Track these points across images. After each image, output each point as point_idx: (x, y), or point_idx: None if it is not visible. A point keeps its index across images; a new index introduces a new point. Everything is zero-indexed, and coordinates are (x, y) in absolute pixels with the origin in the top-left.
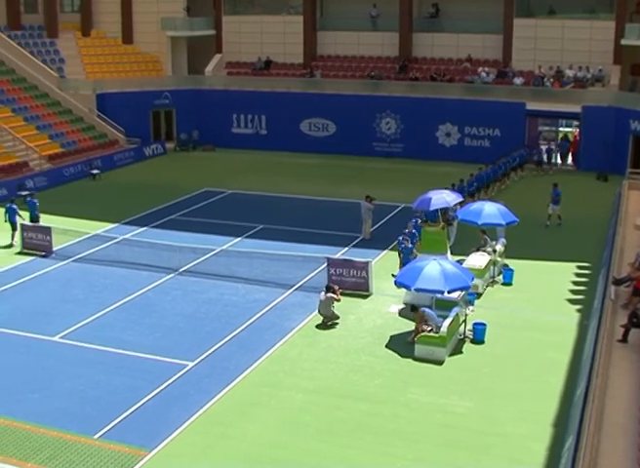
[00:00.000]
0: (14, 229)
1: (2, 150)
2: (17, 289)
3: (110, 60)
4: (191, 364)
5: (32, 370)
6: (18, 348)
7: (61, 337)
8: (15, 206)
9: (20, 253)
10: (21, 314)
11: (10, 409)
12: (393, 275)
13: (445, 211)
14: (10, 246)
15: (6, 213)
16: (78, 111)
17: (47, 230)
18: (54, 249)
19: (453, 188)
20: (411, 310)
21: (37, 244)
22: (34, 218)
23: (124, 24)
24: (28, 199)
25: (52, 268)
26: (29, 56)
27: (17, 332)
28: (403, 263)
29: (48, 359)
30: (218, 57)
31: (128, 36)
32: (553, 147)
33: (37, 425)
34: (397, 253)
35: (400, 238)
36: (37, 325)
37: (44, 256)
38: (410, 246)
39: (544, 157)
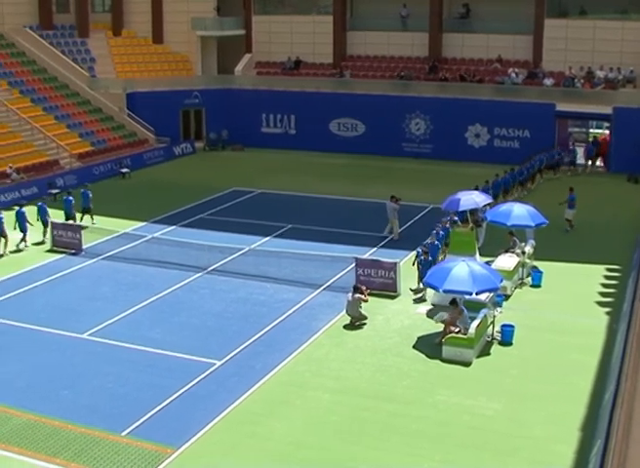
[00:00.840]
0: (45, 226)
1: (33, 148)
2: (47, 286)
3: (141, 60)
4: (219, 363)
5: (61, 367)
6: (47, 345)
7: (90, 335)
8: (45, 204)
9: (50, 251)
10: (51, 311)
11: (39, 404)
12: (412, 290)
13: (474, 212)
14: (42, 242)
15: (38, 211)
16: (108, 110)
17: (77, 228)
18: (83, 247)
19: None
20: (450, 303)
21: (67, 242)
22: (70, 216)
23: (154, 24)
24: (65, 197)
25: (81, 266)
26: (61, 55)
27: (47, 329)
28: (421, 277)
29: (77, 356)
30: (247, 56)
31: (158, 36)
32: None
33: (66, 421)
34: (415, 265)
35: (419, 250)
36: (66, 322)
37: (74, 254)
38: (430, 259)
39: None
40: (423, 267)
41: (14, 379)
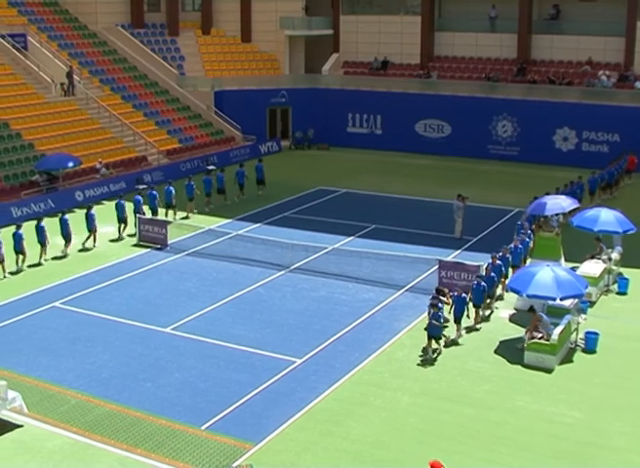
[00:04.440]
0: (120, 223)
1: (122, 144)
2: (132, 279)
3: (229, 59)
4: (299, 361)
5: (145, 360)
6: (131, 337)
7: (173, 329)
8: (140, 197)
9: (135, 246)
10: (136, 304)
11: (122, 395)
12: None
13: (544, 219)
14: (119, 238)
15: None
16: (196, 108)
17: (163, 224)
18: (169, 242)
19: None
20: (528, 310)
21: (153, 237)
22: (154, 211)
23: (243, 23)
24: (149, 192)
25: (166, 261)
26: (151, 53)
27: (131, 322)
28: (429, 336)
29: (160, 349)
30: (335, 56)
31: (246, 35)
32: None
33: (147, 413)
34: (428, 316)
35: (431, 301)
36: (150, 316)
37: (159, 249)
38: (439, 313)
39: None
40: (433, 324)
41: (98, 370)
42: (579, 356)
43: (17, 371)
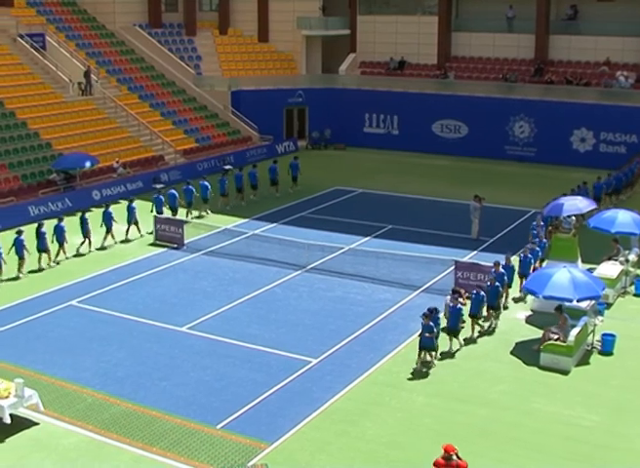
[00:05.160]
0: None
1: (139, 144)
2: (148, 279)
3: (246, 58)
4: (315, 360)
5: (160, 359)
6: (147, 336)
7: (189, 328)
8: (162, 196)
9: (152, 245)
10: (152, 304)
11: (138, 394)
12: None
13: (557, 219)
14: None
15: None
16: (213, 108)
17: (179, 223)
18: (185, 241)
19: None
20: (555, 309)
21: (169, 236)
22: (174, 210)
23: (260, 23)
24: (184, 187)
25: (182, 260)
26: (168, 53)
27: (147, 321)
28: (421, 346)
29: (175, 349)
30: (352, 56)
31: (264, 35)
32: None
33: (163, 412)
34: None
35: (425, 312)
36: (166, 315)
37: (175, 248)
38: (431, 324)
39: None
40: (423, 335)
41: (114, 368)
42: (595, 358)
43: (33, 369)
